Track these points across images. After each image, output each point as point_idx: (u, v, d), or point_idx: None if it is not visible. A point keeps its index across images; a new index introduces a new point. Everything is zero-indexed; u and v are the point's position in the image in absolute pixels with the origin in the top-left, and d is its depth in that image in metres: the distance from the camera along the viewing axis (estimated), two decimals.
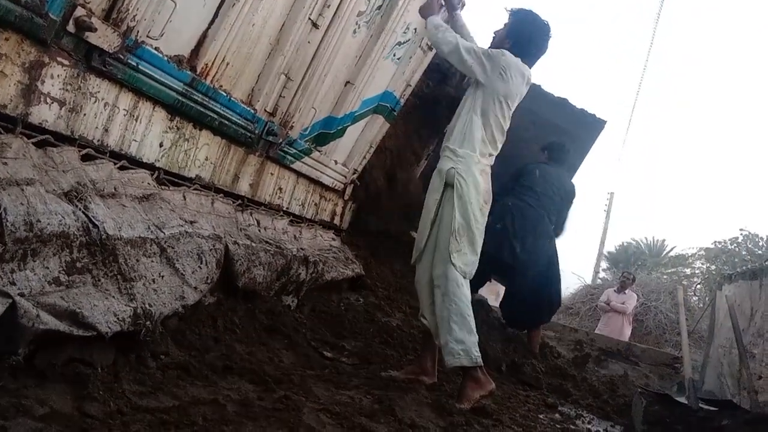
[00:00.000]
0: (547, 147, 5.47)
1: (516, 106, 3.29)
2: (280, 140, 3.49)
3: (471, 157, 3.11)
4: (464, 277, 3.05)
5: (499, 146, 3.26)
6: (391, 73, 4.40)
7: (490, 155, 3.23)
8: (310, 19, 3.22)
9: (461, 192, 3.06)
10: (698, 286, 19.36)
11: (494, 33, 3.37)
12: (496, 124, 3.18)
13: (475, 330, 3.00)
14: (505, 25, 3.35)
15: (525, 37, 3.26)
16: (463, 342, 2.93)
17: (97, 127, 2.29)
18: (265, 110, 3.30)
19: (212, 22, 2.67)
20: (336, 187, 4.55)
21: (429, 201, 3.20)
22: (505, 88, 3.15)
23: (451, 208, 3.06)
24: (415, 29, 4.20)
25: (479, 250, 3.15)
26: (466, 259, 3.07)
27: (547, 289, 5.07)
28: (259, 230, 3.46)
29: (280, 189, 3.81)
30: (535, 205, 4.99)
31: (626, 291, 9.70)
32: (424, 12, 3.42)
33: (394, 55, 4.25)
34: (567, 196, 5.23)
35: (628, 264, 22.67)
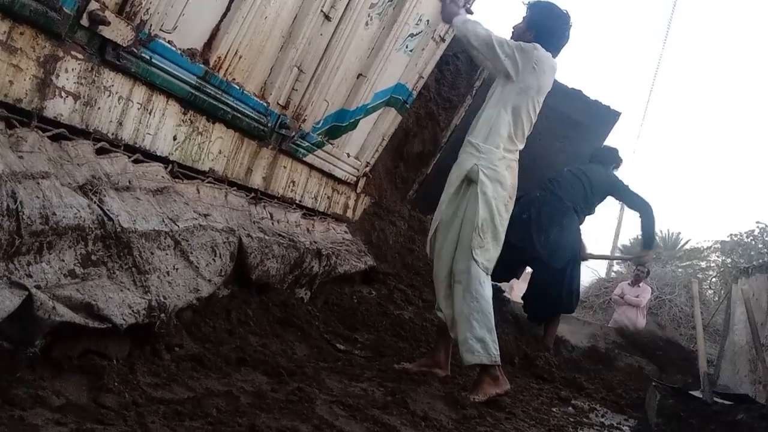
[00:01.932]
0: (594, 151, 5.49)
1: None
2: (293, 133, 3.49)
3: (494, 153, 3.05)
4: (486, 274, 3.02)
5: (525, 141, 3.21)
6: (404, 65, 4.38)
7: (516, 150, 3.17)
8: (322, 11, 3.21)
9: (485, 188, 3.01)
10: (714, 280, 19.21)
11: (513, 28, 3.30)
12: (527, 119, 3.12)
13: (494, 327, 2.97)
14: (523, 18, 3.28)
15: (546, 28, 3.19)
16: (483, 339, 2.90)
17: (111, 121, 2.31)
18: (278, 103, 3.30)
19: (225, 15, 2.67)
20: (349, 180, 4.55)
21: (446, 195, 3.16)
22: (537, 83, 3.09)
23: (475, 204, 3.01)
24: (428, 21, 4.18)
25: (501, 245, 3.12)
26: (489, 255, 3.04)
27: (570, 281, 5.04)
28: (272, 223, 3.47)
29: (293, 182, 3.82)
30: (562, 196, 4.94)
31: (640, 284, 9.64)
32: (447, 15, 3.38)
33: (407, 47, 4.23)
34: (600, 187, 5.15)
35: None
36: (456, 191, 3.11)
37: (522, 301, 5.33)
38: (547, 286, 4.95)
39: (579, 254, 5.11)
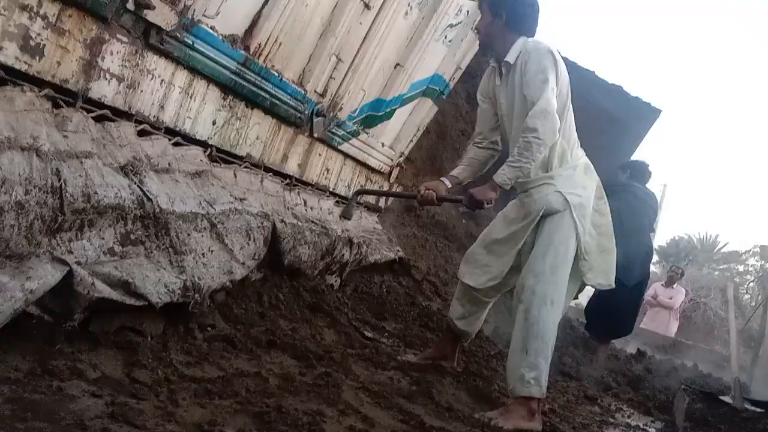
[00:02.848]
0: (629, 166, 5.17)
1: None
2: (329, 121, 3.51)
3: (565, 170, 2.73)
4: (558, 298, 2.65)
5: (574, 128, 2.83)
6: (442, 56, 4.36)
7: (576, 146, 2.82)
8: (362, 0, 3.21)
9: (579, 211, 2.67)
10: (751, 284, 18.77)
11: (475, 29, 2.88)
12: (570, 112, 2.76)
13: (551, 357, 2.67)
14: (483, 11, 2.83)
15: (515, 8, 2.70)
16: (537, 368, 2.58)
17: (153, 104, 2.36)
18: (315, 91, 3.32)
19: (266, 1, 2.70)
20: (382, 170, 4.56)
21: (504, 224, 2.87)
22: (564, 76, 2.68)
23: (567, 233, 2.65)
24: (468, 11, 4.15)
25: (612, 245, 2.83)
26: (599, 269, 2.76)
27: (638, 302, 4.94)
28: (306, 210, 3.51)
29: (327, 170, 3.84)
30: (640, 210, 4.74)
31: (674, 285, 9.45)
32: (488, 195, 2.70)
33: (446, 38, 4.21)
34: (655, 207, 5.05)
35: (679, 259, 22.08)
36: (529, 228, 2.75)
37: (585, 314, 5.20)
38: (619, 306, 4.66)
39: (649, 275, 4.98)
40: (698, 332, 13.08)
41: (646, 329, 8.45)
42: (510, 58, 2.65)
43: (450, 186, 2.89)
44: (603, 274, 2.79)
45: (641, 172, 5.14)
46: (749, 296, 17.68)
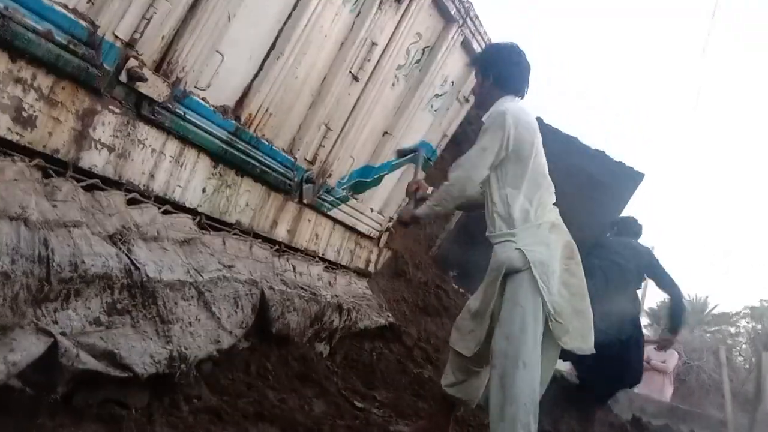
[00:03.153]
0: (615, 223, 5.26)
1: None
2: (319, 188, 3.55)
3: (528, 228, 2.74)
4: (532, 358, 2.61)
5: (550, 187, 2.90)
6: (429, 124, 4.46)
7: (549, 207, 2.86)
8: (351, 72, 3.31)
9: (540, 269, 2.66)
10: (744, 346, 18.66)
11: (473, 93, 3.21)
12: (534, 172, 2.81)
13: (532, 422, 2.59)
14: (476, 75, 3.05)
15: (501, 67, 2.91)
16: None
17: (143, 173, 2.38)
18: (305, 159, 3.37)
19: (257, 74, 2.77)
20: (371, 235, 4.57)
21: (481, 290, 2.87)
22: (520, 137, 2.76)
23: (530, 292, 2.65)
24: (453, 82, 4.28)
25: (586, 306, 2.77)
26: (576, 332, 2.70)
27: (638, 352, 4.84)
28: (295, 276, 3.49)
29: (317, 235, 3.85)
30: (624, 266, 4.71)
31: (666, 349, 9.37)
32: (409, 217, 3.05)
33: (432, 107, 4.32)
34: (642, 261, 4.90)
35: None
36: (495, 285, 2.76)
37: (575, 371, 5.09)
38: (616, 364, 4.55)
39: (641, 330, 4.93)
40: (693, 396, 12.89)
41: (641, 394, 8.31)
42: (485, 117, 2.86)
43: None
44: (580, 338, 2.71)
45: (628, 226, 5.17)
46: (743, 358, 17.55)
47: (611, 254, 4.76)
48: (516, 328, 2.61)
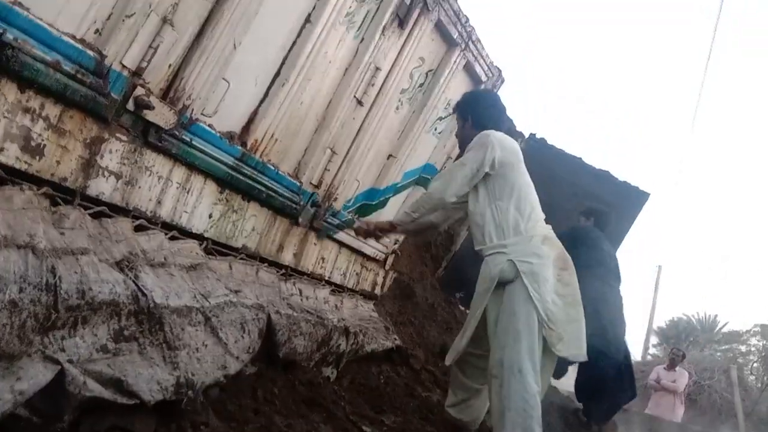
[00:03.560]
0: (592, 213, 5.06)
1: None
2: (325, 211, 3.56)
3: (519, 241, 2.84)
4: (533, 366, 2.68)
5: (538, 205, 3.02)
6: (433, 146, 4.49)
7: (540, 222, 2.97)
8: (355, 97, 3.35)
9: (531, 278, 2.75)
10: (755, 365, 18.45)
11: (455, 136, 3.44)
12: (524, 187, 2.95)
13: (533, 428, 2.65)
14: (457, 121, 3.37)
15: (479, 111, 3.20)
16: None
17: (150, 199, 2.39)
18: (311, 183, 3.39)
19: (263, 100, 2.80)
20: (377, 257, 4.57)
21: (477, 304, 2.94)
22: (505, 156, 2.95)
23: (523, 300, 2.73)
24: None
25: (580, 315, 2.84)
26: (570, 340, 2.76)
27: (627, 368, 4.79)
28: (301, 300, 3.49)
29: (323, 259, 3.85)
30: (612, 283, 4.69)
31: (676, 368, 9.28)
32: (372, 227, 3.44)
33: (435, 129, 4.36)
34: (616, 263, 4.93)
35: (679, 340, 21.80)
36: (485, 296, 2.87)
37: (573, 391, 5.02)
38: (611, 384, 4.57)
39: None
40: (705, 416, 12.72)
41: (652, 415, 8.21)
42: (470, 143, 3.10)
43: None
44: (575, 346, 2.80)
45: (602, 216, 5.03)
46: (754, 377, 17.33)
47: (602, 271, 4.61)
48: (510, 337, 2.71)
